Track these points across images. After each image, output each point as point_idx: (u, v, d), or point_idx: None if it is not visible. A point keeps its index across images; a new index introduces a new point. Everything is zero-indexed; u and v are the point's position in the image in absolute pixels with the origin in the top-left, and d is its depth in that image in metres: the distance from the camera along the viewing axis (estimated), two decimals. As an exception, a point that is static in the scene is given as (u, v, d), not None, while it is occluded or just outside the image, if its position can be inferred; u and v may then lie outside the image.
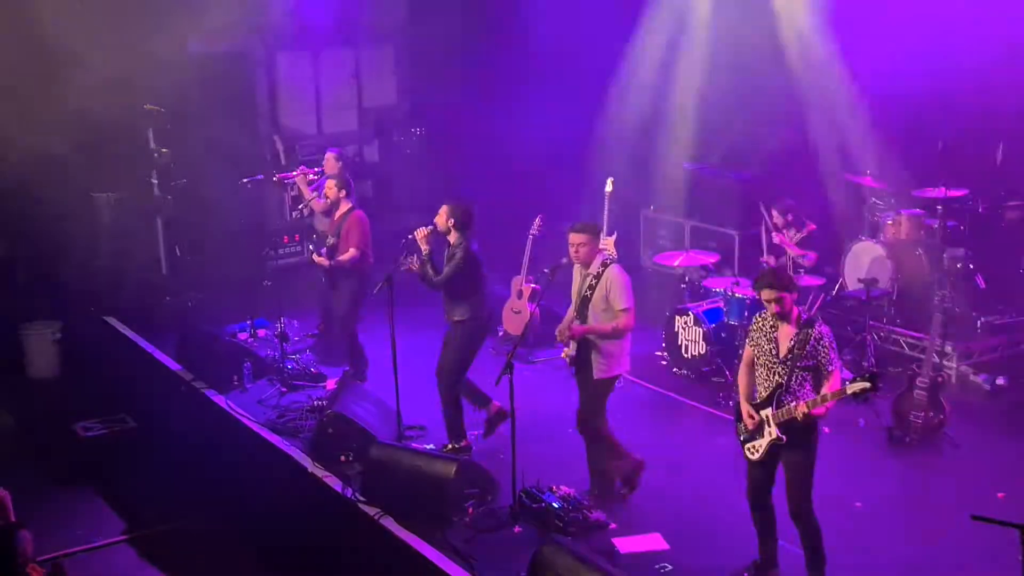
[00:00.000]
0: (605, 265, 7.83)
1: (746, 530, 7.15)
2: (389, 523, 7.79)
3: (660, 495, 8.24)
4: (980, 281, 10.74)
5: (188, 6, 12.27)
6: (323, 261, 10.14)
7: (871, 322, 10.25)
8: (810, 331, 6.62)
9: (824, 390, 6.58)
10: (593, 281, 7.78)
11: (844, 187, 11.79)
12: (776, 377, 6.70)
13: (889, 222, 11.14)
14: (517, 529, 7.77)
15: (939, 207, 10.72)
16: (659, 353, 10.84)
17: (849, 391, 6.44)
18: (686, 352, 10.48)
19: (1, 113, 10.81)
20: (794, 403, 6.61)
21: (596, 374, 7.87)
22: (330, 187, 10.28)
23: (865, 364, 9.94)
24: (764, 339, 6.80)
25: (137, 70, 11.48)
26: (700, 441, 8.93)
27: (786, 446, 6.74)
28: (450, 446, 8.91)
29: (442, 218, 8.71)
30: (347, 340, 10.36)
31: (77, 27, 11.26)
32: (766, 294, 6.68)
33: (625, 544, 7.54)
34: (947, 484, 8.33)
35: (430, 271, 8.71)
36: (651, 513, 8.03)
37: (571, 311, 8.04)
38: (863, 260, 11.03)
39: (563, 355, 8.05)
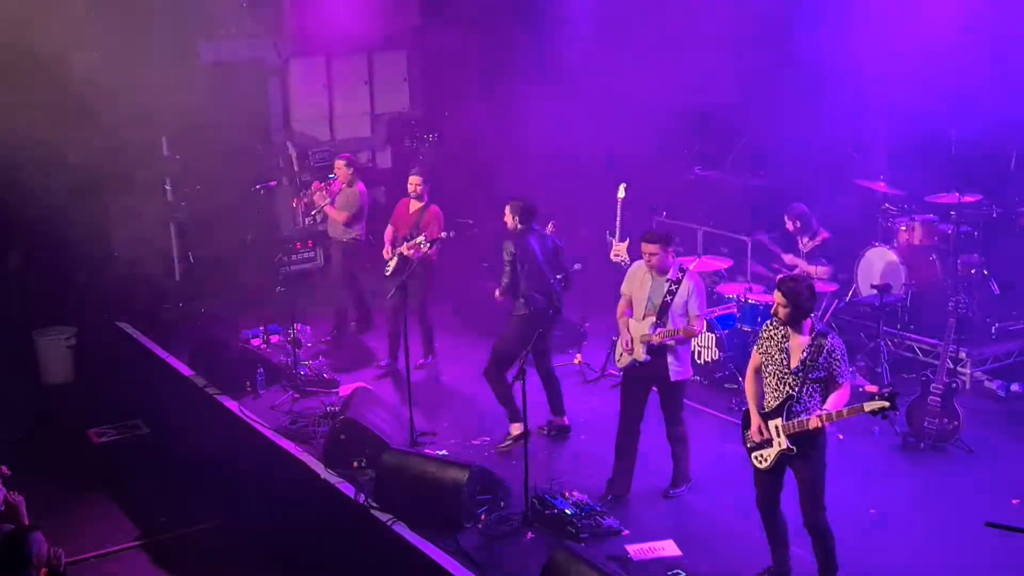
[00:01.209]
0: (682, 271, 8.04)
1: (759, 537, 7.14)
2: (401, 529, 7.81)
3: (673, 501, 8.23)
4: (994, 287, 10.71)
5: (201, 14, 12.32)
6: (412, 254, 10.19)
7: (885, 328, 10.21)
8: (823, 343, 6.60)
9: (837, 404, 6.55)
10: (673, 287, 7.95)
11: (857, 192, 11.75)
12: (787, 388, 6.68)
13: (903, 228, 11.11)
14: (529, 535, 7.76)
15: (953, 212, 10.67)
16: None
17: (867, 409, 6.42)
18: (699, 358, 10.45)
19: (14, 123, 10.84)
20: (806, 416, 6.60)
21: (673, 376, 8.08)
22: (416, 182, 10.41)
23: (879, 371, 9.90)
24: (775, 348, 6.76)
25: (151, 78, 11.51)
26: (713, 447, 8.89)
27: (797, 456, 6.72)
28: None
29: (507, 217, 8.99)
30: (394, 328, 10.39)
31: (89, 36, 11.30)
32: (778, 297, 6.67)
33: (638, 551, 7.52)
34: (961, 491, 8.28)
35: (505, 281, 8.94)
36: (664, 519, 8.03)
37: (630, 319, 8.12)
38: (876, 266, 10.98)
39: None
